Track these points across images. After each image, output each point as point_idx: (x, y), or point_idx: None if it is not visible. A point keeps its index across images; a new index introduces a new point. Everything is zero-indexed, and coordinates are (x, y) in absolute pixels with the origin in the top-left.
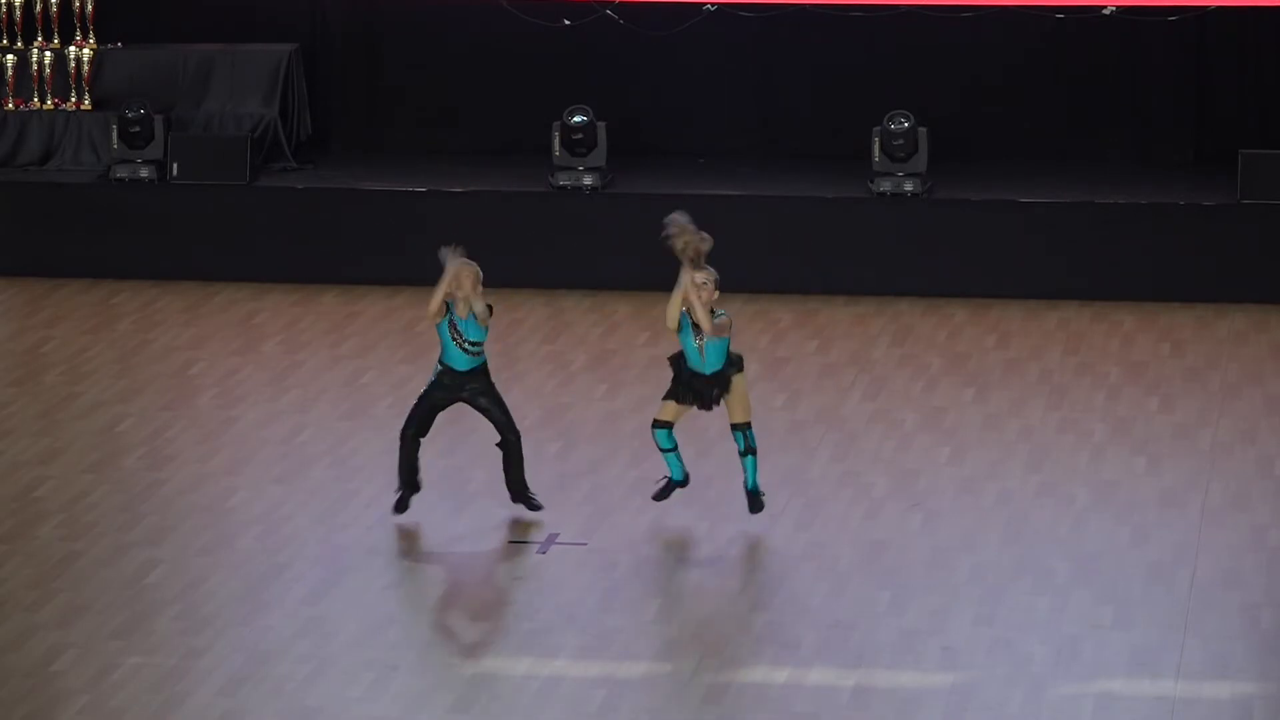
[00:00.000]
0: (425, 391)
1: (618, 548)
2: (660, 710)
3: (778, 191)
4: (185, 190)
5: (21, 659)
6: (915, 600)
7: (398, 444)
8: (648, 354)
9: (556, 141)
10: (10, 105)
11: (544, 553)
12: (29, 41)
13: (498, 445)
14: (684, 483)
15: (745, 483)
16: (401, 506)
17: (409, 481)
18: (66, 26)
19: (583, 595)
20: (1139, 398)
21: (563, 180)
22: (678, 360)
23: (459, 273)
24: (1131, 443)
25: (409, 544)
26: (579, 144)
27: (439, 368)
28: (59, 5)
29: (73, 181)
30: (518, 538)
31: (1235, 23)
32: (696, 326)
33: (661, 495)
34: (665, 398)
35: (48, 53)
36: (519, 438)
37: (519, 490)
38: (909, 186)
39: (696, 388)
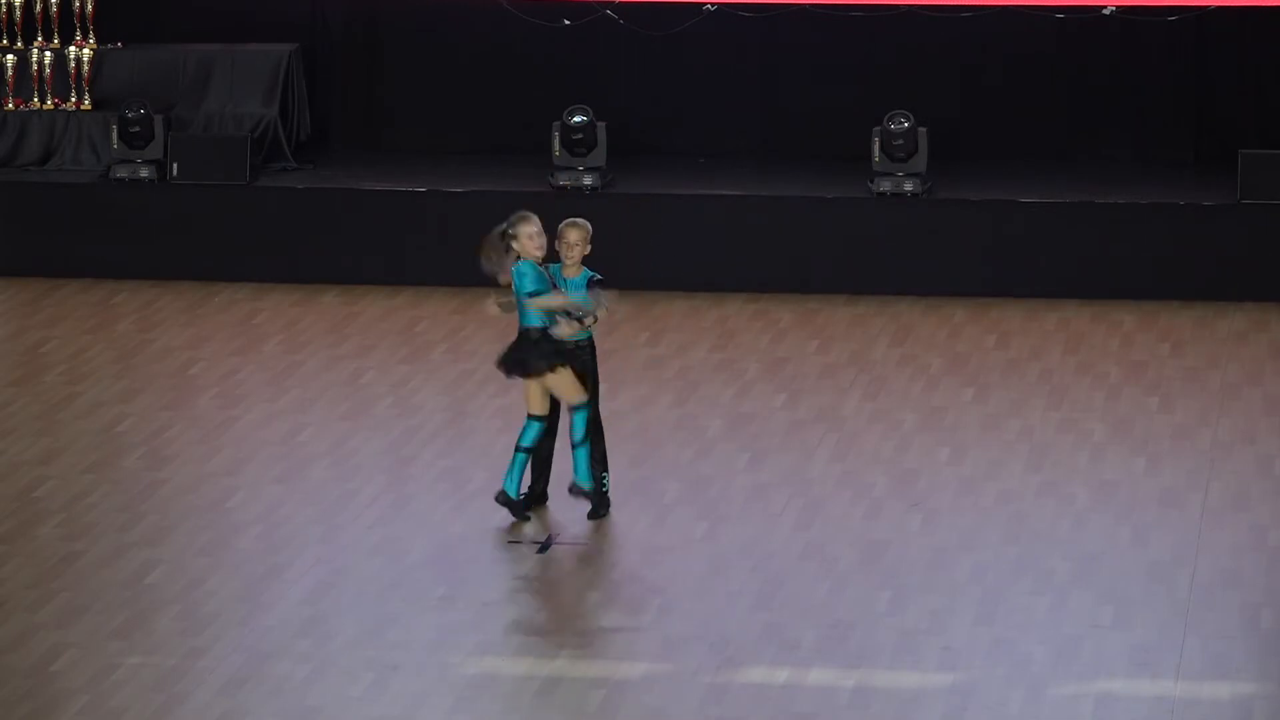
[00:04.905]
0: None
1: (618, 548)
2: (660, 710)
3: (778, 191)
4: (185, 190)
5: (21, 659)
6: (915, 600)
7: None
8: (647, 354)
9: (556, 141)
10: (10, 105)
11: (544, 553)
12: (29, 41)
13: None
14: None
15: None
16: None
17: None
18: (66, 26)
19: (583, 595)
20: (1139, 398)
21: (563, 180)
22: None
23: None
24: (1131, 443)
25: (409, 544)
26: (579, 144)
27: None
28: (59, 5)
29: (73, 181)
30: (517, 538)
31: (1235, 23)
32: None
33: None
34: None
35: (48, 53)
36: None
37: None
38: (909, 186)
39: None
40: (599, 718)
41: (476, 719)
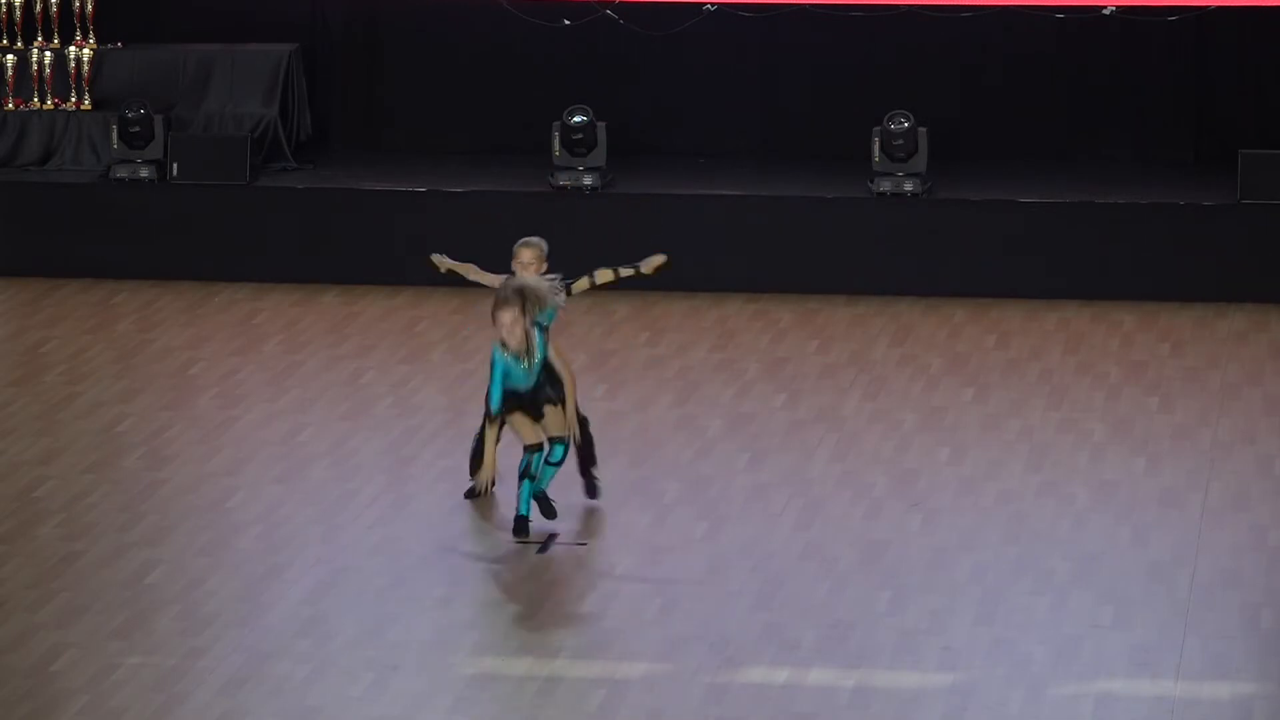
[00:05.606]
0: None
1: (618, 548)
2: (660, 710)
3: (778, 191)
4: (185, 190)
5: (21, 659)
6: (915, 600)
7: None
8: (647, 354)
9: (556, 141)
10: (10, 105)
11: (544, 552)
12: (29, 41)
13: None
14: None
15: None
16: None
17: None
18: (66, 26)
19: (583, 595)
20: (1139, 398)
21: (563, 180)
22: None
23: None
24: (1131, 443)
25: (409, 544)
26: (579, 144)
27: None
28: (59, 5)
29: (73, 181)
30: (517, 538)
31: (1235, 23)
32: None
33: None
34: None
35: (48, 53)
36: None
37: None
38: (909, 186)
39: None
40: (599, 718)
41: (476, 719)
